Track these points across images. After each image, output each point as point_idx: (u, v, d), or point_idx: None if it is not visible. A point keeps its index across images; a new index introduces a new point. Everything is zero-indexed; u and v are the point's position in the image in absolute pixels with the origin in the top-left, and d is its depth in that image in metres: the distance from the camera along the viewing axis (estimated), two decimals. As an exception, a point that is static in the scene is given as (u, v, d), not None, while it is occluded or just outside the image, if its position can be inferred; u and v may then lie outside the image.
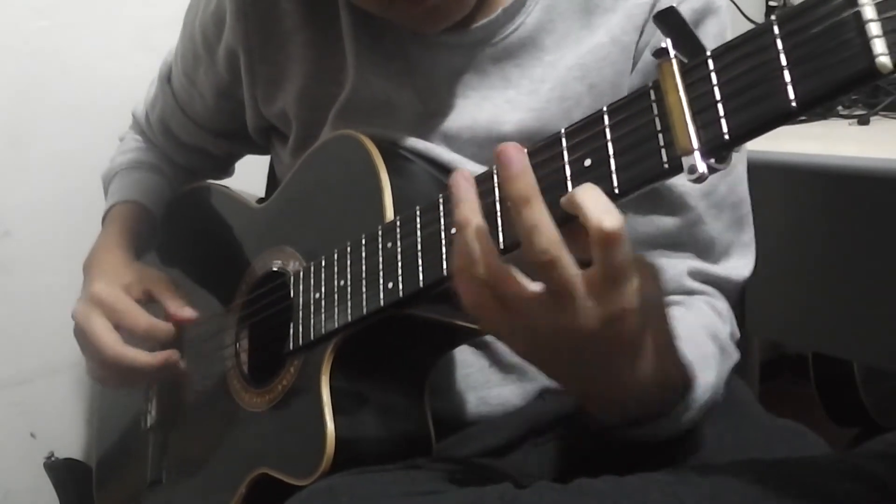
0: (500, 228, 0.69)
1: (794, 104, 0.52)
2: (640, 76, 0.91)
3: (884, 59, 0.48)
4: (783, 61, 0.52)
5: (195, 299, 1.07)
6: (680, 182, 0.90)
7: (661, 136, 0.59)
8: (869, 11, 0.48)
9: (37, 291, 1.41)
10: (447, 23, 0.89)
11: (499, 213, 0.70)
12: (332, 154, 0.93)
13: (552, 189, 0.65)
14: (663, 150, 0.59)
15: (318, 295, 0.88)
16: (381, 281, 0.80)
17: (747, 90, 0.54)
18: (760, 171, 0.97)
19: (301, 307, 0.90)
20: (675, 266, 0.93)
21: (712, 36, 0.91)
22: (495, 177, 0.70)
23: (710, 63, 0.56)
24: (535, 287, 0.64)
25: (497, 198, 0.70)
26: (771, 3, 1.83)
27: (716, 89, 0.56)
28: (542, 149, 0.67)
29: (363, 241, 0.83)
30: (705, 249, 0.94)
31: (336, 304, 0.85)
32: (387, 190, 0.83)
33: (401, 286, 0.77)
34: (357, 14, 0.94)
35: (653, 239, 0.93)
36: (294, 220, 0.98)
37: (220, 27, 1.02)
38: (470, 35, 0.92)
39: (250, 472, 0.91)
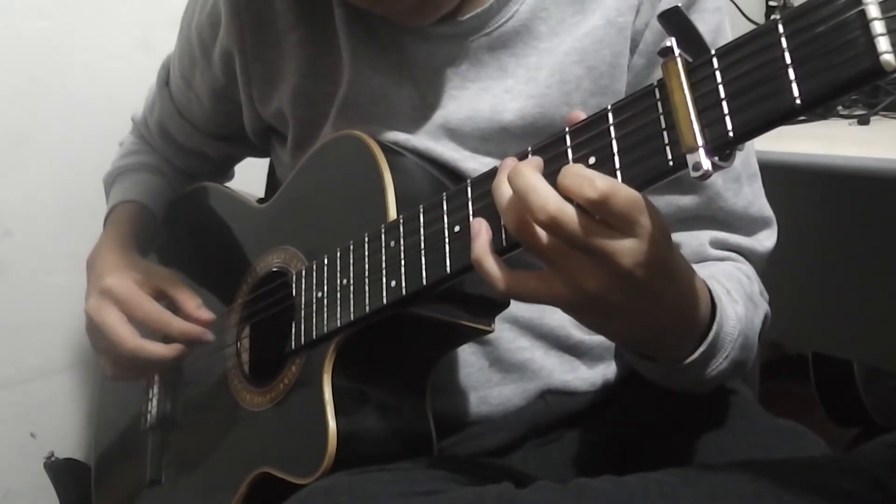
0: (503, 227, 0.70)
1: (798, 102, 0.52)
2: (644, 58, 0.91)
3: (888, 57, 0.48)
4: (787, 60, 0.52)
5: (197, 299, 1.07)
6: None
7: (665, 133, 0.59)
8: (873, 10, 0.48)
9: (37, 291, 1.41)
10: (435, 16, 0.89)
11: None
12: (335, 154, 0.93)
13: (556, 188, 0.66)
14: (668, 148, 0.59)
15: (320, 294, 0.88)
16: (384, 279, 0.80)
17: (752, 88, 0.54)
18: (761, 171, 0.97)
19: (303, 306, 0.90)
20: (698, 237, 0.93)
21: (709, 11, 0.91)
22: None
23: (715, 62, 0.57)
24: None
25: None
26: (771, 3, 1.83)
27: (720, 88, 0.56)
28: (547, 147, 0.68)
29: (366, 240, 0.83)
30: (726, 223, 0.93)
31: (338, 302, 0.85)
32: (389, 189, 0.84)
33: (404, 284, 0.78)
34: (350, 10, 0.94)
35: (673, 216, 0.93)
36: (296, 220, 0.98)
37: (215, 29, 1.03)
38: (464, 25, 0.92)
39: (251, 471, 0.91)
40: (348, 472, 0.81)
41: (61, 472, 1.39)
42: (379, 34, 0.94)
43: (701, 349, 0.76)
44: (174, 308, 1.03)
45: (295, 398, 0.89)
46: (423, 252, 0.77)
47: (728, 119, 0.55)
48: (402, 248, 0.79)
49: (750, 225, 0.95)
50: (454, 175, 0.93)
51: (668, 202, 0.93)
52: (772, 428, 0.89)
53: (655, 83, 0.61)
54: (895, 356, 1.34)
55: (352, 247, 0.85)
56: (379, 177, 0.85)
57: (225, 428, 1.00)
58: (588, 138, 0.65)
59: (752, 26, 1.74)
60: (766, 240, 0.96)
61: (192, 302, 1.02)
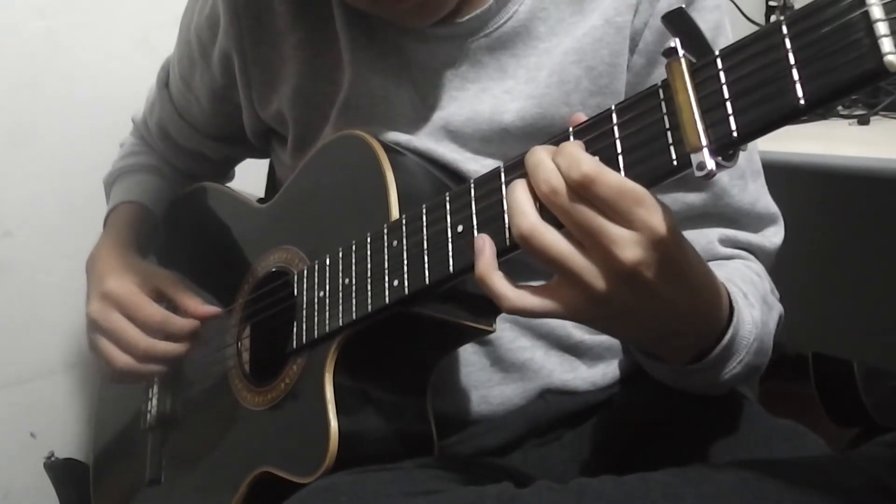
0: (506, 227, 0.70)
1: (802, 102, 0.52)
2: (643, 57, 0.92)
3: (892, 58, 0.48)
4: (791, 60, 0.52)
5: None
6: None
7: (669, 133, 0.59)
8: (877, 11, 0.49)
9: (37, 291, 1.41)
10: (433, 18, 0.89)
11: (505, 212, 0.70)
12: (337, 154, 0.93)
13: None
14: (672, 148, 0.59)
15: (322, 293, 0.88)
16: (387, 279, 0.80)
17: (756, 89, 0.54)
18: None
19: (305, 305, 0.90)
20: (706, 235, 0.93)
21: (709, 10, 0.92)
22: (502, 175, 0.71)
23: (719, 62, 0.57)
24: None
25: (504, 195, 0.70)
26: (771, 3, 1.83)
27: (724, 88, 0.56)
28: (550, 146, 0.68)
29: (368, 240, 0.83)
30: (734, 220, 0.94)
31: (340, 301, 0.85)
32: (392, 189, 0.84)
33: (406, 284, 0.78)
34: (350, 12, 0.94)
35: (681, 213, 0.93)
36: (297, 220, 0.98)
37: (214, 31, 1.03)
38: (463, 26, 0.92)
39: (252, 470, 0.91)
40: (349, 471, 0.81)
41: (61, 472, 1.39)
42: (379, 36, 0.94)
43: (715, 353, 0.76)
44: (174, 308, 1.04)
45: (296, 397, 0.90)
46: (425, 252, 0.77)
47: (732, 119, 0.56)
48: (404, 247, 0.79)
49: (757, 221, 0.95)
50: (455, 176, 0.93)
51: (675, 199, 0.92)
52: (772, 428, 0.89)
53: (659, 83, 0.61)
54: (895, 356, 1.34)
55: (354, 246, 0.85)
56: (381, 176, 0.85)
57: (225, 427, 1.00)
58: (592, 138, 0.65)
59: (752, 26, 1.74)
60: (773, 236, 0.96)
61: (191, 301, 1.03)
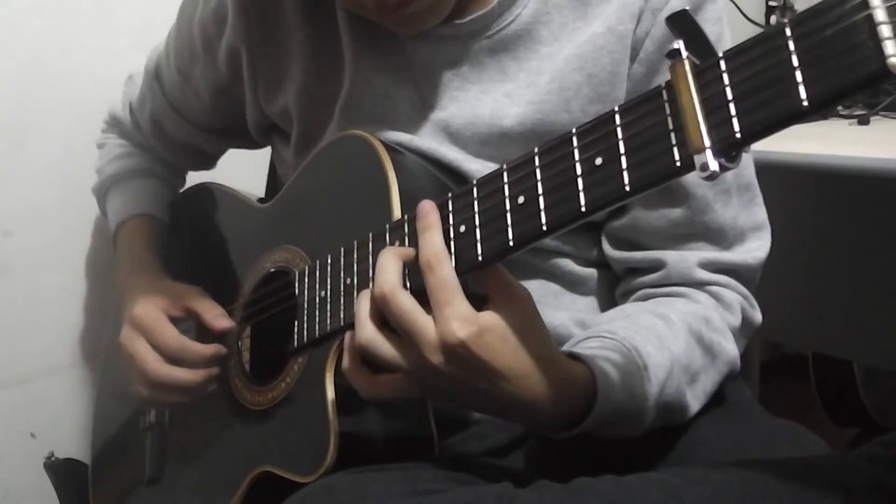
0: (508, 227, 0.70)
1: (805, 104, 0.52)
2: (643, 66, 0.92)
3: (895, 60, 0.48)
4: (795, 62, 0.52)
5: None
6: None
7: (673, 134, 0.59)
8: (881, 14, 0.49)
9: (37, 292, 1.41)
10: (422, 28, 0.90)
11: (507, 212, 0.70)
12: (338, 153, 0.93)
13: (563, 187, 0.66)
14: (675, 149, 0.59)
15: (323, 293, 0.88)
16: None
17: (759, 91, 0.54)
18: (760, 171, 0.97)
19: (306, 305, 0.90)
20: (686, 259, 0.94)
21: (710, 22, 0.92)
22: (505, 176, 0.71)
23: (723, 64, 0.57)
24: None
25: (507, 196, 0.70)
26: (771, 3, 1.83)
27: (728, 90, 0.56)
28: (553, 148, 0.68)
29: (370, 239, 0.83)
30: (718, 236, 0.94)
31: (342, 301, 0.85)
32: (394, 188, 0.84)
33: (408, 283, 0.78)
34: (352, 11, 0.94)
35: (665, 231, 0.94)
36: (299, 220, 0.98)
37: (221, 25, 1.02)
38: (465, 27, 0.92)
39: (252, 470, 0.91)
40: (349, 471, 0.81)
41: (61, 472, 1.39)
42: (381, 35, 0.94)
43: (572, 432, 0.80)
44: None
45: (297, 397, 0.90)
46: None
47: (736, 121, 0.56)
48: (406, 247, 0.79)
49: (740, 235, 0.95)
50: (456, 176, 0.93)
51: (661, 216, 0.93)
52: (772, 428, 0.89)
53: (663, 85, 0.61)
54: (895, 356, 1.34)
55: (356, 246, 0.85)
56: (383, 176, 0.85)
57: (225, 426, 1.00)
58: (595, 139, 0.65)
59: (753, 26, 1.74)
60: (757, 250, 0.96)
61: (210, 313, 1.02)
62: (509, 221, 0.70)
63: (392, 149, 0.88)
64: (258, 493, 0.92)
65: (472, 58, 0.93)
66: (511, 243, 0.70)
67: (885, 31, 0.48)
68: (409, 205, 0.81)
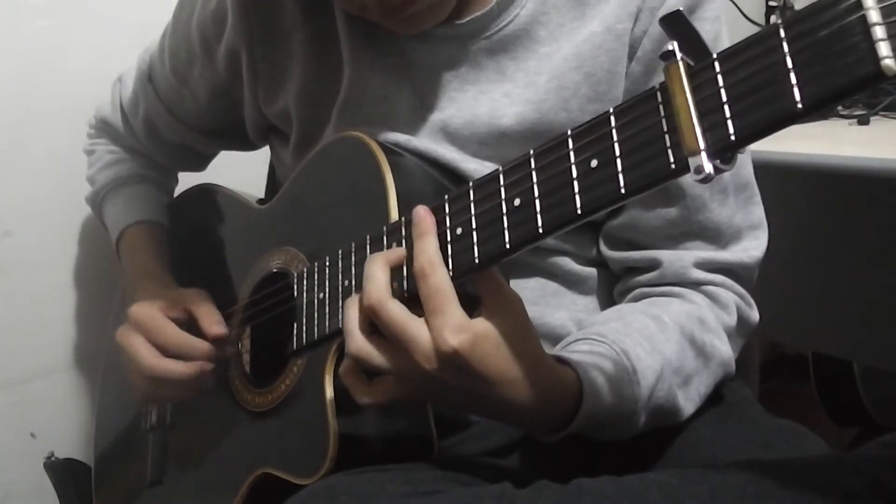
0: (505, 230, 0.70)
1: (800, 106, 0.52)
2: (641, 65, 0.92)
3: (889, 62, 0.48)
4: (789, 64, 0.52)
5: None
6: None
7: (667, 137, 0.59)
8: (874, 15, 0.48)
9: (37, 291, 1.41)
10: (422, 28, 0.89)
11: (504, 215, 0.70)
12: (336, 155, 0.93)
13: (559, 190, 0.66)
14: (670, 151, 0.59)
15: (322, 295, 0.88)
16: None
17: (754, 92, 0.54)
18: (760, 171, 0.97)
19: (305, 307, 0.90)
20: (681, 258, 0.94)
21: (709, 20, 0.92)
22: (501, 178, 0.71)
23: (717, 65, 0.57)
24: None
25: (503, 198, 0.70)
26: (771, 4, 1.83)
27: (722, 91, 0.56)
28: (549, 150, 0.68)
29: (368, 242, 0.83)
30: (714, 236, 0.94)
31: (340, 303, 0.85)
32: (391, 191, 0.84)
33: (405, 286, 0.78)
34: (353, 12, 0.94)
35: (661, 230, 0.94)
36: (297, 221, 0.98)
37: (220, 27, 1.02)
38: (464, 27, 0.92)
39: (252, 471, 0.91)
40: (349, 472, 0.81)
41: (61, 472, 1.39)
42: (379, 35, 0.94)
43: (570, 429, 0.79)
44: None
45: (296, 399, 0.90)
46: None
47: (730, 123, 0.55)
48: (404, 249, 0.79)
49: (736, 234, 0.95)
50: (455, 176, 0.93)
51: (658, 216, 0.94)
52: (772, 428, 0.89)
53: (657, 86, 0.61)
54: (895, 356, 1.34)
55: (353, 248, 0.85)
56: (381, 178, 0.85)
57: (226, 428, 1.00)
58: (590, 141, 0.65)
59: (752, 26, 1.74)
60: (753, 249, 0.96)
61: (207, 319, 1.02)
62: (506, 224, 0.70)
63: (389, 150, 0.88)
64: (259, 494, 0.92)
65: (471, 58, 0.93)
66: (508, 246, 0.69)
67: (878, 32, 0.48)
68: (407, 207, 0.81)
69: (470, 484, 0.81)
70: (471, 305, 0.74)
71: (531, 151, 0.69)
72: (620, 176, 0.62)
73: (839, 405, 2.05)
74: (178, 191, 1.34)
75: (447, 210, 0.75)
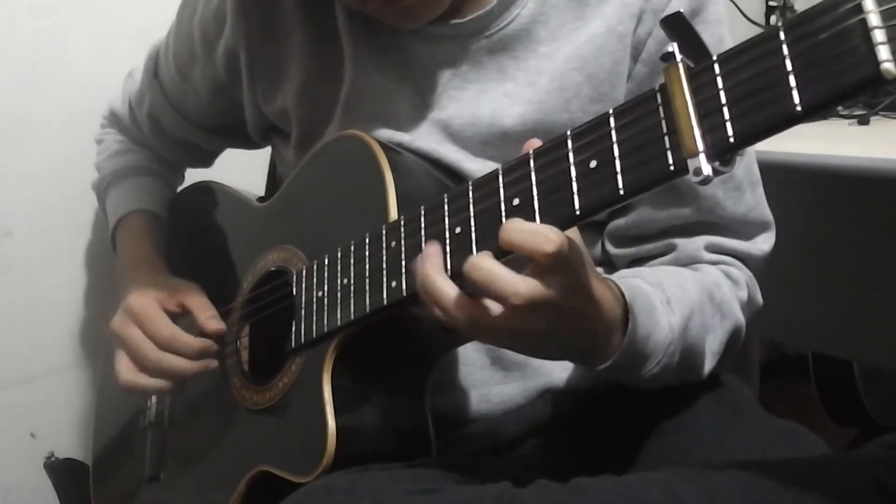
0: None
1: (799, 109, 0.52)
2: (646, 66, 0.92)
3: (888, 66, 0.48)
4: (789, 67, 0.52)
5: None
6: None
7: (667, 138, 0.59)
8: (874, 19, 0.49)
9: (37, 291, 1.41)
10: (422, 21, 0.90)
11: (503, 214, 0.70)
12: (336, 153, 0.93)
13: (558, 190, 0.66)
14: (669, 153, 0.59)
15: (320, 293, 0.88)
16: (385, 279, 0.81)
17: (753, 95, 0.54)
18: (760, 171, 0.97)
19: (304, 305, 0.90)
20: (694, 242, 0.95)
21: (712, 24, 0.92)
22: (500, 177, 0.71)
23: (717, 67, 0.57)
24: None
25: (502, 197, 0.70)
26: (771, 4, 1.83)
27: (722, 93, 0.56)
28: (548, 150, 0.68)
29: (367, 240, 0.83)
30: (725, 228, 0.95)
31: (339, 302, 0.85)
32: (391, 190, 0.84)
33: (405, 285, 0.78)
34: (352, 9, 0.94)
35: (675, 228, 0.95)
36: (297, 220, 0.98)
37: (220, 26, 1.02)
38: (465, 27, 0.92)
39: (250, 469, 0.91)
40: (347, 470, 0.81)
41: (61, 472, 1.39)
42: (380, 33, 0.94)
43: (614, 360, 0.78)
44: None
45: (294, 397, 0.90)
46: None
47: (729, 125, 0.56)
48: (402, 248, 0.79)
49: (749, 229, 0.96)
50: (455, 176, 0.93)
51: (670, 215, 0.94)
52: (772, 428, 0.89)
53: (657, 87, 0.61)
54: (895, 356, 1.34)
55: (352, 247, 0.85)
56: (380, 177, 0.85)
57: (224, 426, 1.00)
58: (589, 141, 0.65)
59: (752, 27, 1.74)
60: (763, 243, 0.97)
61: (203, 314, 1.02)
62: (504, 223, 0.70)
63: (390, 149, 0.89)
64: (256, 492, 0.92)
65: (472, 57, 0.93)
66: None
67: (878, 35, 0.48)
68: (407, 206, 0.82)
69: (470, 482, 0.81)
70: None
71: (531, 151, 0.69)
72: (619, 177, 0.63)
73: (839, 405, 2.05)
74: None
75: (446, 209, 0.75)
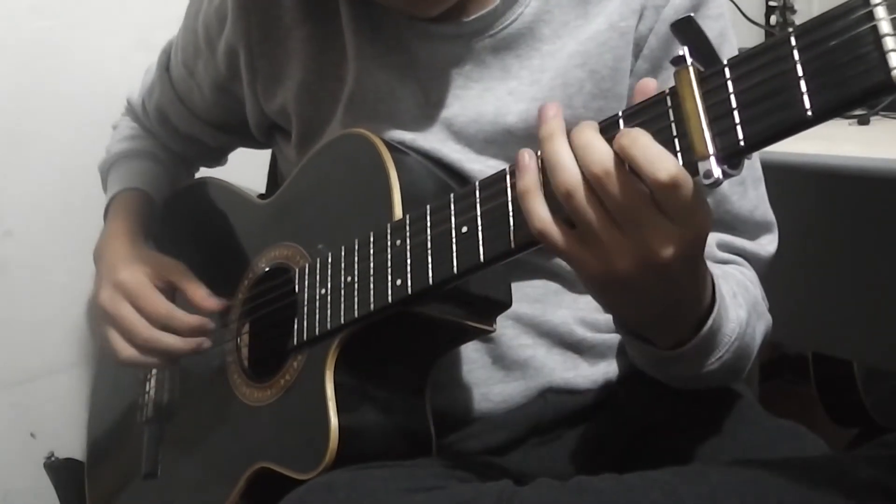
0: (511, 230, 0.70)
1: (810, 114, 0.53)
2: (648, 62, 0.92)
3: (900, 73, 0.49)
4: (800, 72, 0.53)
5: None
6: None
7: (677, 141, 0.60)
8: (886, 26, 0.49)
9: (37, 291, 1.41)
10: (441, 8, 0.89)
11: (510, 215, 0.70)
12: (340, 151, 0.93)
13: None
14: (679, 155, 0.60)
15: (323, 291, 0.88)
16: (390, 278, 0.81)
17: (763, 99, 0.55)
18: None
19: (306, 302, 0.90)
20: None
21: (712, 18, 0.92)
22: (508, 178, 0.71)
23: (727, 72, 0.57)
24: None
25: (509, 198, 0.70)
26: (771, 3, 1.83)
27: (732, 98, 0.57)
28: None
29: (371, 239, 0.83)
30: (732, 226, 0.95)
31: (342, 300, 0.85)
32: (396, 188, 0.84)
33: (409, 283, 0.78)
34: (356, 7, 0.94)
35: None
36: (300, 217, 0.98)
37: (222, 23, 1.03)
38: (468, 26, 0.92)
39: (250, 466, 0.91)
40: (348, 468, 0.82)
41: (61, 472, 1.39)
42: (384, 32, 0.94)
43: (694, 342, 0.76)
44: (184, 298, 1.03)
45: (296, 394, 0.90)
46: (429, 252, 0.78)
47: (739, 129, 0.56)
48: (407, 247, 0.80)
49: (754, 229, 0.96)
50: (458, 176, 0.93)
51: None
52: (772, 428, 0.90)
53: (667, 91, 0.61)
54: (895, 356, 1.34)
55: (357, 245, 0.85)
56: (385, 176, 0.85)
57: (223, 422, 1.00)
58: None
59: (753, 27, 1.74)
60: (768, 244, 0.97)
61: (199, 292, 1.02)
62: (512, 224, 0.70)
63: (394, 147, 0.89)
64: (256, 489, 0.92)
65: (475, 56, 0.93)
66: (513, 246, 0.70)
67: (889, 42, 0.49)
68: (411, 204, 0.82)
69: (470, 481, 0.81)
70: (483, 307, 0.73)
71: (539, 151, 0.69)
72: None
73: (839, 405, 2.05)
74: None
75: (452, 209, 0.75)
